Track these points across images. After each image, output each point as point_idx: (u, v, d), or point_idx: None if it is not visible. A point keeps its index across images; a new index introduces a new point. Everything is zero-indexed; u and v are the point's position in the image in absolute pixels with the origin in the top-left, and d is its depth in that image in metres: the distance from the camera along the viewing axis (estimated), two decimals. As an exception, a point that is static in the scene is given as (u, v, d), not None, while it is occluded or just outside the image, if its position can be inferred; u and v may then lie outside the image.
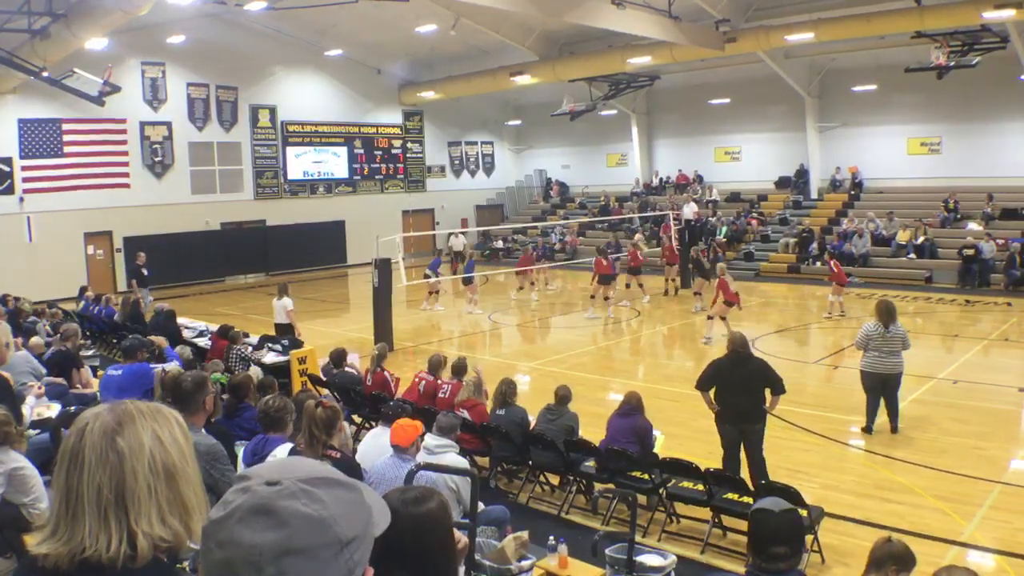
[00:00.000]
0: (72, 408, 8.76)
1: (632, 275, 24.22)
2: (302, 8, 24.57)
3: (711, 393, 9.64)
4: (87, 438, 1.63)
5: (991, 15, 21.99)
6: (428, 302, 23.30)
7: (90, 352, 15.56)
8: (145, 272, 22.35)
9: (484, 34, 30.04)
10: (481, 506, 6.59)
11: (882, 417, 11.60)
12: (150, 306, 21.50)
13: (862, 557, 5.12)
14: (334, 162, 35.66)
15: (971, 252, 25.04)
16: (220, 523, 1.25)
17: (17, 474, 5.80)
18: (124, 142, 28.98)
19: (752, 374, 9.49)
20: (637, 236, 22.17)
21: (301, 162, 34.53)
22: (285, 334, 17.12)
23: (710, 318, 18.72)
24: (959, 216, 27.74)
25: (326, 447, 5.71)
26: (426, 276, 22.91)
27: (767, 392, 9.46)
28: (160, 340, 12.14)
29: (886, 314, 11.37)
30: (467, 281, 23.16)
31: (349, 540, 1.26)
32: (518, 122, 42.22)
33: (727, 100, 34.05)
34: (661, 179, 37.72)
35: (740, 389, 9.38)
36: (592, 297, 22.59)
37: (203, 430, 5.23)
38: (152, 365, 9.74)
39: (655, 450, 9.53)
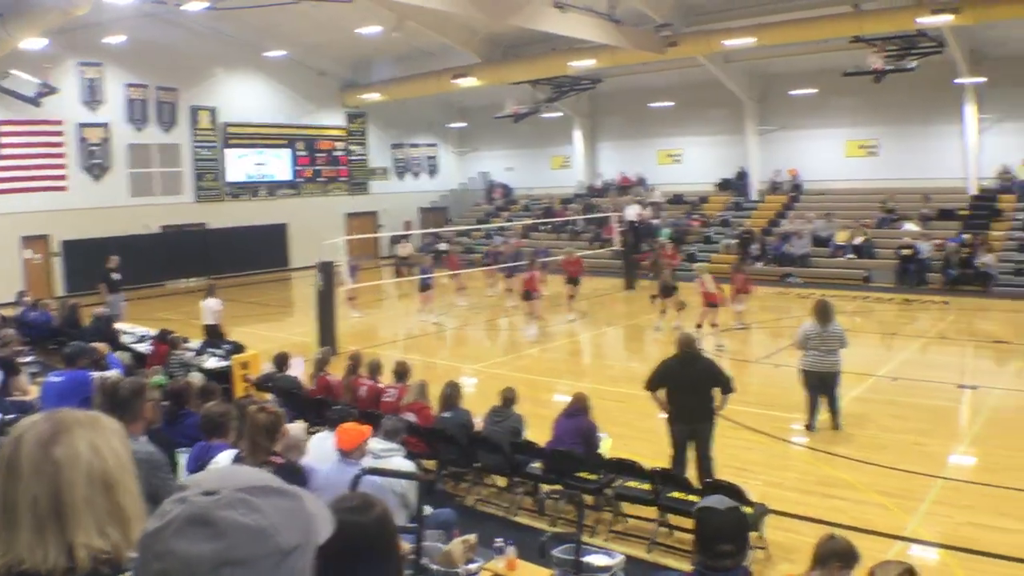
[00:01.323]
0: (10, 416, 8.56)
1: (570, 284, 22.56)
2: (243, 8, 24.29)
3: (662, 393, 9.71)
4: (23, 448, 1.59)
5: (928, 20, 22.43)
6: (354, 307, 22.93)
7: (28, 358, 15.22)
8: (116, 276, 21.56)
9: (427, 36, 29.96)
10: (428, 510, 6.55)
11: (824, 414, 11.77)
12: (124, 311, 21.13)
13: (807, 553, 5.19)
14: (276, 164, 35.28)
15: (908, 252, 25.50)
16: (156, 534, 1.22)
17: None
18: (61, 144, 28.43)
19: (701, 374, 9.60)
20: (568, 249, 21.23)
21: (242, 164, 34.11)
22: (213, 336, 16.92)
23: (698, 326, 17.87)
24: (896, 217, 28.23)
25: (269, 453, 5.64)
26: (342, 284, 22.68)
27: (716, 391, 9.55)
28: (102, 347, 11.92)
29: (823, 313, 11.55)
30: (424, 287, 22.28)
31: (290, 549, 1.23)
32: (462, 124, 42.17)
33: (669, 103, 34.30)
34: (604, 181, 37.90)
35: (690, 389, 9.49)
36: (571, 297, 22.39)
37: (143, 438, 5.14)
38: (92, 372, 9.55)
39: (601, 452, 9.56)
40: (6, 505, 1.56)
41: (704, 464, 9.40)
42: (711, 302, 18.23)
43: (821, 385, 11.60)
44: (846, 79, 26.36)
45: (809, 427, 11.66)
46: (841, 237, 27.92)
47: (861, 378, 14.22)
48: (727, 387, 9.61)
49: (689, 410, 9.46)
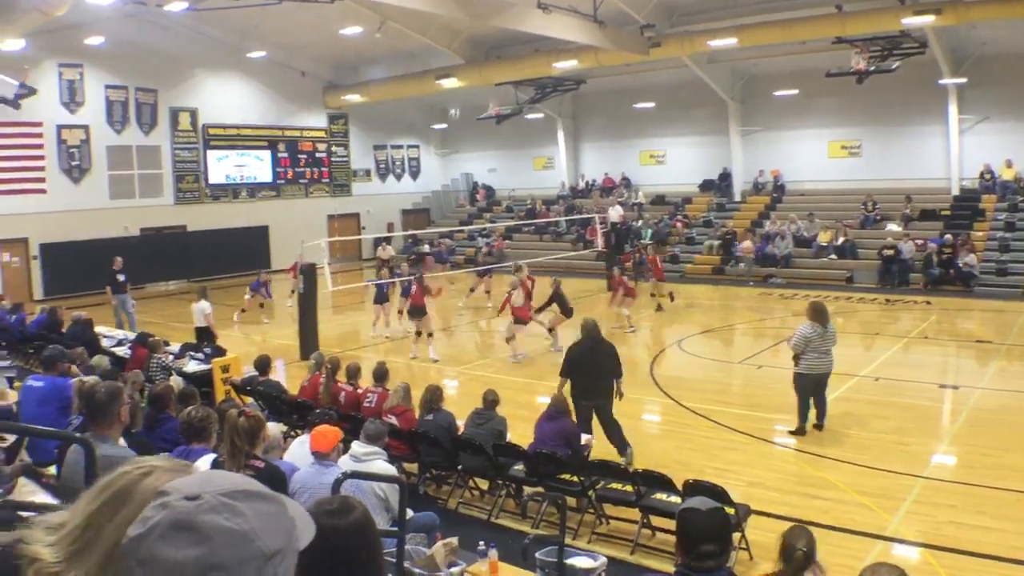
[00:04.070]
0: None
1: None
2: (224, 9, 24.18)
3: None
4: (139, 490, 1.53)
5: (910, 21, 22.54)
6: (240, 317, 22.57)
7: (6, 363, 15.11)
8: (121, 278, 21.37)
9: (410, 37, 29.90)
10: (410, 513, 6.52)
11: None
12: (134, 311, 21.08)
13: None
14: (257, 166, 35.15)
15: (891, 252, 25.63)
16: (139, 540, 1.20)
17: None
18: (40, 146, 28.23)
19: (604, 357, 10.80)
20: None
21: (223, 166, 33.96)
22: (204, 338, 16.87)
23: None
24: (878, 217, 28.35)
25: (249, 457, 5.60)
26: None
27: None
28: (80, 351, 11.84)
29: (822, 315, 11.51)
30: (381, 299, 20.50)
31: (273, 554, 1.22)
32: (444, 126, 42.15)
33: (652, 104, 34.41)
34: (587, 182, 37.94)
35: (595, 370, 10.71)
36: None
37: (121, 442, 5.09)
38: (71, 379, 9.46)
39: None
40: (88, 531, 1.51)
41: (613, 431, 10.56)
42: (520, 318, 17.74)
43: (817, 387, 11.60)
44: (829, 80, 26.45)
45: (801, 431, 11.58)
46: (824, 237, 28.02)
47: (843, 378, 14.23)
48: (619, 372, 10.85)
49: (594, 388, 10.61)
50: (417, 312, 18.02)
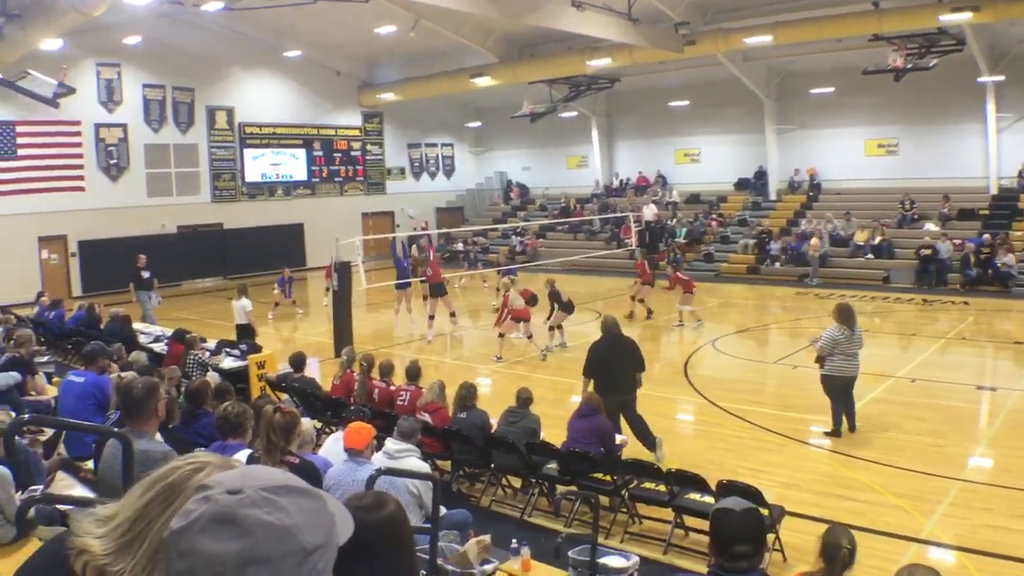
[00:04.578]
0: (26, 415, 8.60)
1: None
2: (260, 8, 24.36)
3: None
4: (190, 486, 1.56)
5: (948, 18, 22.29)
6: (274, 312, 22.87)
7: (45, 358, 15.31)
8: (145, 275, 21.74)
9: (444, 36, 29.95)
10: (443, 510, 6.54)
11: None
12: (155, 306, 21.41)
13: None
14: (292, 164, 35.39)
15: (928, 252, 25.34)
16: (181, 533, 1.21)
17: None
18: (79, 144, 28.58)
19: (625, 353, 10.99)
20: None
21: (259, 164, 34.23)
22: (245, 335, 17.02)
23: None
24: (916, 217, 28.07)
25: (284, 453, 5.64)
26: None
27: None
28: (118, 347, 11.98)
29: (851, 318, 11.41)
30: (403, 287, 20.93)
31: (313, 549, 1.23)
32: (478, 124, 42.19)
33: (687, 102, 34.24)
34: (621, 181, 37.84)
35: (617, 366, 10.84)
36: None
37: (158, 437, 5.14)
38: (110, 376, 9.57)
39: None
40: (137, 524, 1.53)
41: (639, 427, 10.67)
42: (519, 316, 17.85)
43: (846, 389, 11.49)
44: (866, 77, 26.19)
45: (836, 433, 11.47)
46: (860, 237, 27.77)
47: (880, 379, 14.13)
48: (641, 366, 10.96)
49: (617, 384, 10.70)
50: (438, 290, 19.11)
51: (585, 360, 11.16)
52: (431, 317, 19.28)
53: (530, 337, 17.93)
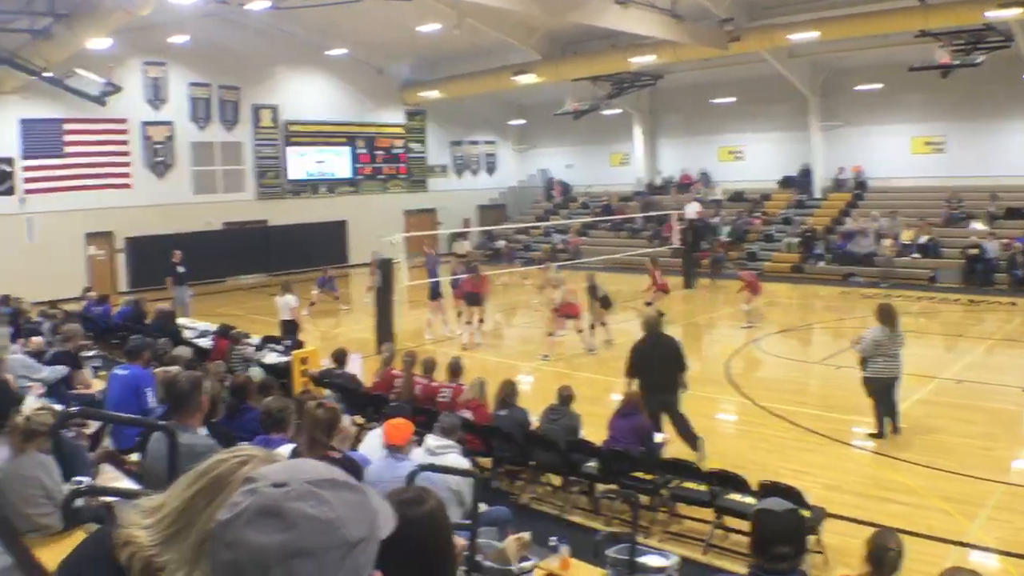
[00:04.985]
0: (73, 408, 8.74)
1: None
2: (305, 7, 24.53)
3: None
4: (235, 478, 1.59)
5: (995, 14, 21.93)
6: (310, 311, 22.73)
7: (91, 353, 15.53)
8: (181, 270, 22.27)
9: (487, 33, 29.98)
10: (483, 507, 6.56)
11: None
12: (191, 304, 21.72)
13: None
14: (336, 162, 35.63)
15: (975, 252, 25.00)
16: (228, 524, 1.24)
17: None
18: (126, 142, 28.96)
19: (667, 351, 10.97)
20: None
21: (303, 162, 34.50)
22: (289, 331, 17.19)
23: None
24: (963, 215, 27.69)
25: (326, 448, 5.69)
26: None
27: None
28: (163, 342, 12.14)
29: (893, 318, 11.28)
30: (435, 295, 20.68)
31: (356, 542, 1.25)
32: (521, 121, 42.20)
33: (731, 99, 34.02)
34: (664, 179, 37.68)
35: (659, 365, 10.79)
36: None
37: (201, 430, 5.21)
38: (153, 370, 9.70)
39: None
40: (184, 515, 1.56)
41: (683, 427, 10.65)
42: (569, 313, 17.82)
43: (888, 391, 11.35)
44: (912, 74, 25.83)
45: (880, 435, 11.34)
46: (906, 236, 27.44)
47: (925, 380, 13.97)
48: (683, 365, 10.94)
49: (660, 384, 10.66)
50: (473, 299, 18.97)
51: (627, 360, 11.09)
52: (467, 323, 19.27)
53: (580, 331, 17.95)
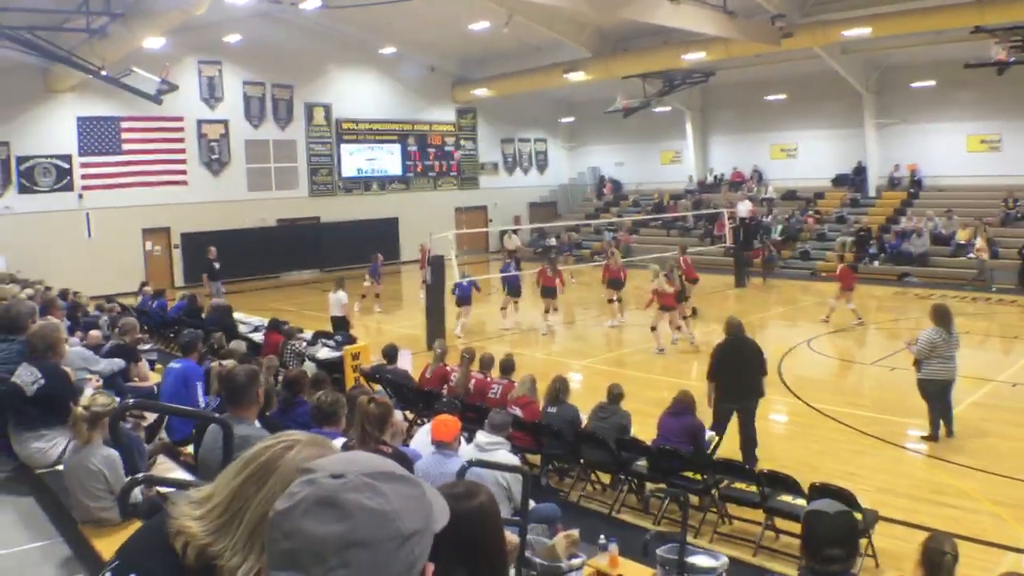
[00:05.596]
0: (130, 400, 8.89)
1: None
2: (357, 7, 24.70)
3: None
4: (283, 463, 1.62)
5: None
6: (360, 305, 23.10)
7: (148, 346, 15.77)
8: (216, 266, 22.91)
9: (537, 31, 29.99)
10: (532, 504, 6.58)
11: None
12: (222, 298, 22.07)
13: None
14: (387, 159, 35.90)
15: (1032, 252, 24.54)
16: (286, 514, 1.26)
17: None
18: (181, 140, 29.43)
19: (750, 354, 10.69)
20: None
21: (355, 159, 34.82)
22: (340, 327, 17.34)
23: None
24: (1020, 215, 27.19)
25: (378, 442, 5.74)
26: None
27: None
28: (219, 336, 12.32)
29: (949, 319, 11.11)
30: (515, 291, 21.17)
31: (411, 534, 1.27)
32: (571, 119, 42.14)
33: (783, 96, 33.71)
34: (716, 176, 37.44)
35: (743, 369, 10.54)
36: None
37: (257, 423, 5.28)
38: (208, 363, 9.85)
39: (709, 451, 9.48)
40: (235, 502, 1.60)
41: (749, 440, 10.36)
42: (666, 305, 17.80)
43: (943, 393, 11.19)
44: (968, 71, 25.37)
45: (933, 438, 11.19)
46: (962, 235, 27.00)
47: (979, 383, 13.75)
48: (764, 368, 10.75)
49: (738, 389, 10.41)
50: (548, 292, 19.95)
51: (709, 362, 10.90)
52: (545, 312, 20.31)
53: (679, 328, 18.01)
